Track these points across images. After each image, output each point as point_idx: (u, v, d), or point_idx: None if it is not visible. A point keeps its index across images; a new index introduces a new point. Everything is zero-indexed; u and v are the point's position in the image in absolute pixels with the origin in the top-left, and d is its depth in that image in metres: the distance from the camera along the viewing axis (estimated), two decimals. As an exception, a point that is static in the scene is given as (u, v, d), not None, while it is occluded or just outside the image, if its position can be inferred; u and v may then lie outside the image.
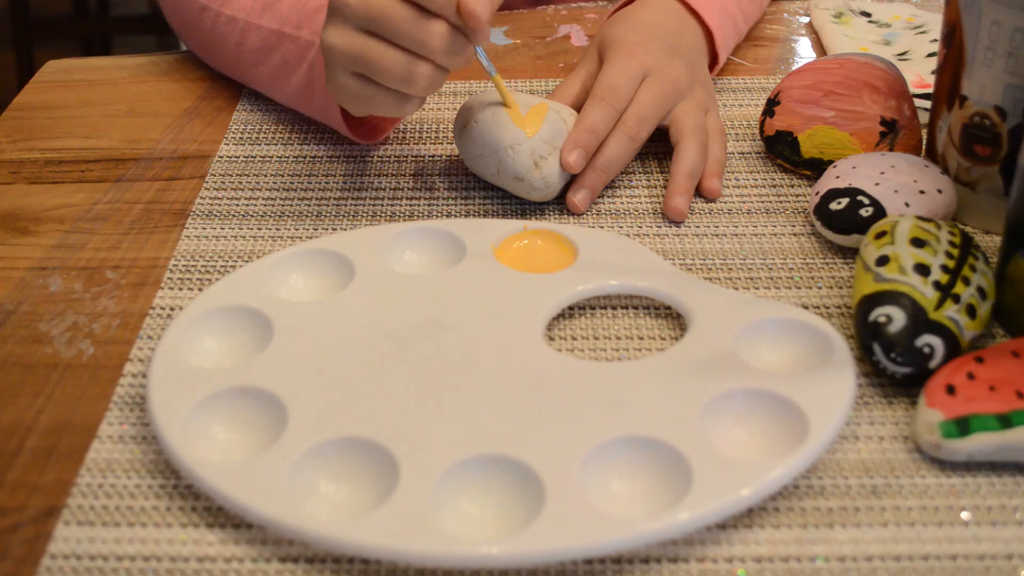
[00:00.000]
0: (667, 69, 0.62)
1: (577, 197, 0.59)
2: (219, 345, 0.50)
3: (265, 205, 0.62)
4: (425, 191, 0.63)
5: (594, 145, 0.59)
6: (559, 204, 0.61)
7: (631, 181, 0.64)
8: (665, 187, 0.62)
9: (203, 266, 0.57)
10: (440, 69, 0.54)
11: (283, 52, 0.65)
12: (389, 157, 0.67)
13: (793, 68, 0.76)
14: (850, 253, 0.57)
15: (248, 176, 0.65)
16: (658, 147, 0.66)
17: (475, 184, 0.64)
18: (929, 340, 0.47)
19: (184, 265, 0.57)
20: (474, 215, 0.61)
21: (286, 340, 0.49)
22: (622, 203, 0.62)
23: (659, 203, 0.61)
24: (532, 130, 0.59)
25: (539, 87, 0.76)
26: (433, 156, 0.66)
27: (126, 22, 2.52)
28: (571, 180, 0.62)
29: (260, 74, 0.68)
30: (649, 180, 0.64)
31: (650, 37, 0.63)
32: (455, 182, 0.64)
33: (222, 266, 0.57)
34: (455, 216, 0.61)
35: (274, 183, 0.64)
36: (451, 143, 0.68)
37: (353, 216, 0.61)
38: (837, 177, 0.58)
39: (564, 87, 0.65)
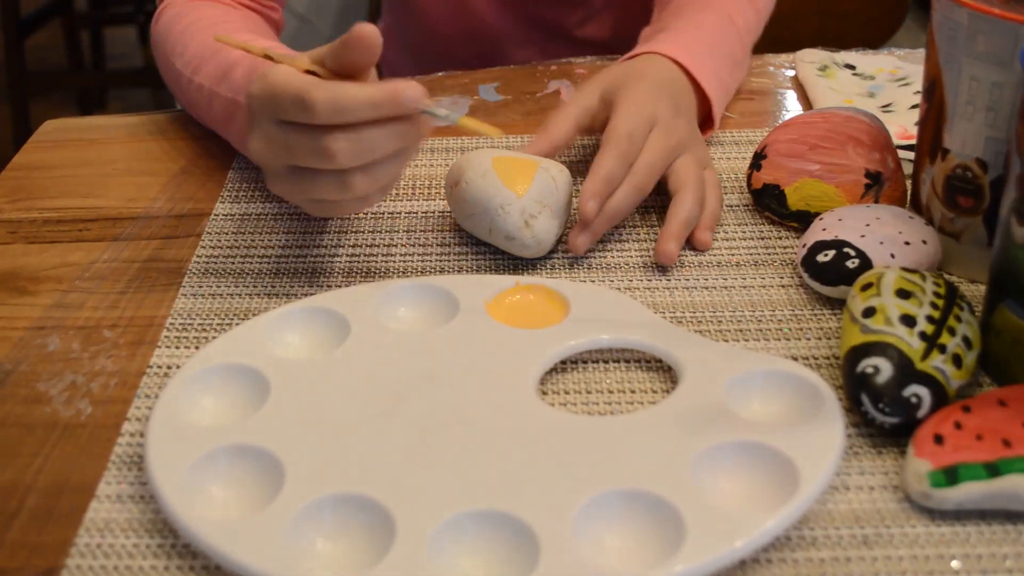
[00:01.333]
0: (672, 122, 0.64)
1: (579, 240, 0.60)
2: (216, 404, 0.50)
3: (261, 263, 0.63)
4: (418, 247, 0.64)
5: (607, 193, 0.60)
6: (551, 259, 0.62)
7: (621, 235, 0.65)
8: (654, 241, 0.63)
9: (200, 324, 0.58)
10: (381, 167, 0.51)
11: (239, 120, 0.66)
12: (383, 213, 0.68)
13: (780, 121, 0.78)
14: (838, 304, 0.58)
15: (244, 234, 0.65)
16: (649, 201, 0.67)
17: (467, 240, 0.64)
18: (916, 390, 0.48)
19: (181, 323, 0.58)
20: (467, 271, 0.62)
21: (283, 398, 0.50)
22: (613, 257, 0.63)
23: (649, 256, 0.62)
24: (522, 189, 0.60)
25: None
26: (426, 212, 0.67)
27: (121, 76, 2.55)
28: (562, 236, 0.63)
29: (232, 138, 0.69)
30: (638, 234, 0.65)
31: (658, 90, 0.65)
32: (448, 238, 0.65)
33: (219, 324, 0.58)
34: (448, 272, 0.62)
35: (269, 240, 0.65)
36: (444, 199, 0.69)
37: (347, 273, 0.62)
38: (824, 229, 0.59)
39: (557, 121, 0.65)
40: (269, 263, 0.63)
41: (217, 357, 0.52)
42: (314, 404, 0.50)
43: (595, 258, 0.63)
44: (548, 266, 0.62)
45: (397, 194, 0.70)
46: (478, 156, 0.62)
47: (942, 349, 0.49)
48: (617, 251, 0.63)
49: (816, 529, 0.45)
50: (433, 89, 0.83)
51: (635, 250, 0.63)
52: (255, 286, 0.61)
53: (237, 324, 0.58)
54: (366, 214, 0.67)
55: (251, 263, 0.63)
